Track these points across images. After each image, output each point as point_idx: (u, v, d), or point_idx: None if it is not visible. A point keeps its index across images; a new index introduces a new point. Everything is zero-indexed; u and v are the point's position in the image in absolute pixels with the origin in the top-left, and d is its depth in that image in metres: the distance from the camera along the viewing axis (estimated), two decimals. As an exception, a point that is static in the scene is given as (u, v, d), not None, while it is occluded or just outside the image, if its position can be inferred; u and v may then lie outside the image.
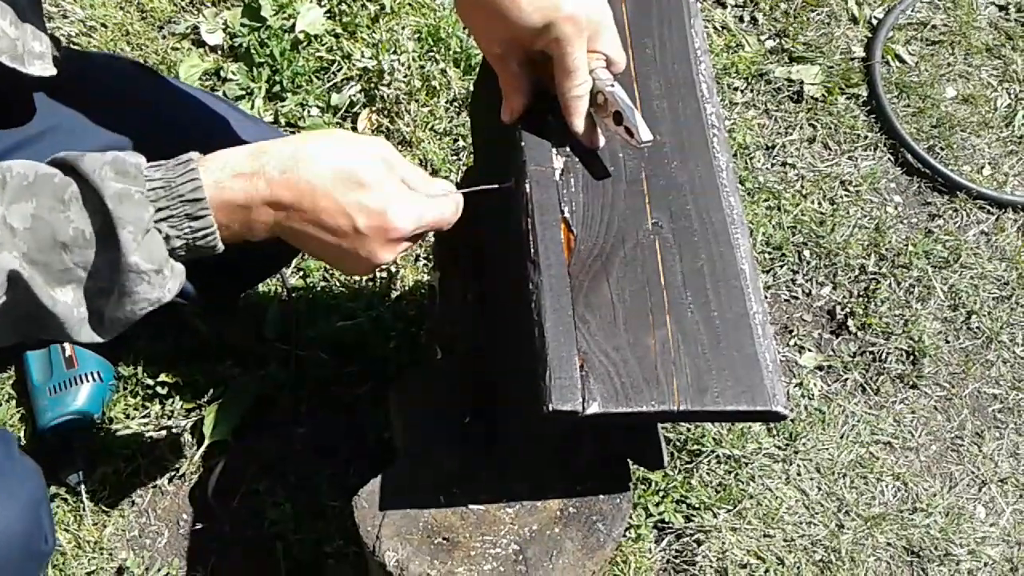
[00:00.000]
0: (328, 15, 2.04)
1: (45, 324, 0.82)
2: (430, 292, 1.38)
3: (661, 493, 1.64)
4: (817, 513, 1.67)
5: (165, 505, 1.60)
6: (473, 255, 1.22)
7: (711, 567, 1.60)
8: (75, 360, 1.58)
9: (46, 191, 0.79)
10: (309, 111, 1.95)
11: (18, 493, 1.06)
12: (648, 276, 0.94)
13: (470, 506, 1.10)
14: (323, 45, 2.00)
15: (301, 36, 1.98)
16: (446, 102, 1.98)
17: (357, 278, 1.78)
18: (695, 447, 1.68)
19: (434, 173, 1.90)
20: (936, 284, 1.92)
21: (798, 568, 1.61)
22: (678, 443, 1.69)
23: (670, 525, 1.62)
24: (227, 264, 0.92)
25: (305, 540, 1.54)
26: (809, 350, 1.86)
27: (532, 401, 0.88)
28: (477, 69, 1.56)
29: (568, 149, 1.00)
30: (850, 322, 1.88)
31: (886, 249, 1.95)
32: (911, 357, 1.85)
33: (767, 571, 1.60)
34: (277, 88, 1.95)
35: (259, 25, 1.97)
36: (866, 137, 2.10)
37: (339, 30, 2.02)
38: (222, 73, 1.97)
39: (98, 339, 0.84)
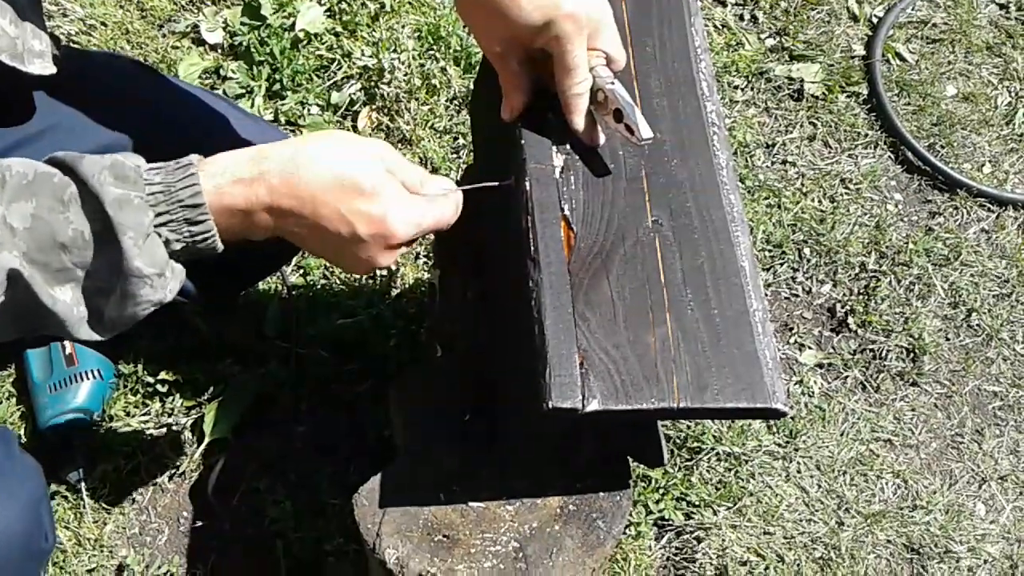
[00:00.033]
0: (328, 13, 2.04)
1: (45, 321, 0.82)
2: (430, 290, 1.38)
3: (661, 490, 1.64)
4: (817, 510, 1.67)
5: (165, 503, 1.60)
6: (473, 253, 1.22)
7: (711, 564, 1.60)
8: (75, 358, 1.58)
9: (46, 191, 0.79)
10: (309, 109, 1.95)
11: (18, 491, 1.06)
12: (648, 274, 0.94)
13: (470, 504, 1.10)
14: (323, 43, 2.00)
15: (301, 34, 1.98)
16: (446, 100, 1.98)
17: (357, 276, 1.78)
18: (695, 444, 1.68)
19: (434, 171, 1.89)
20: (936, 282, 1.92)
21: (798, 565, 1.61)
22: (678, 440, 1.69)
23: (670, 522, 1.63)
24: (227, 263, 0.92)
25: (305, 538, 1.54)
26: (809, 348, 1.86)
27: (532, 399, 0.88)
28: (477, 67, 1.56)
29: (568, 147, 1.00)
30: (850, 320, 1.88)
31: (886, 247, 1.95)
32: (911, 355, 1.85)
33: (767, 568, 1.60)
34: (277, 86, 1.95)
35: (259, 24, 1.97)
36: (866, 135, 2.10)
37: (339, 28, 2.02)
38: (222, 72, 1.97)
39: (98, 337, 0.85)
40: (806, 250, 1.94)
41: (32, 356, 1.60)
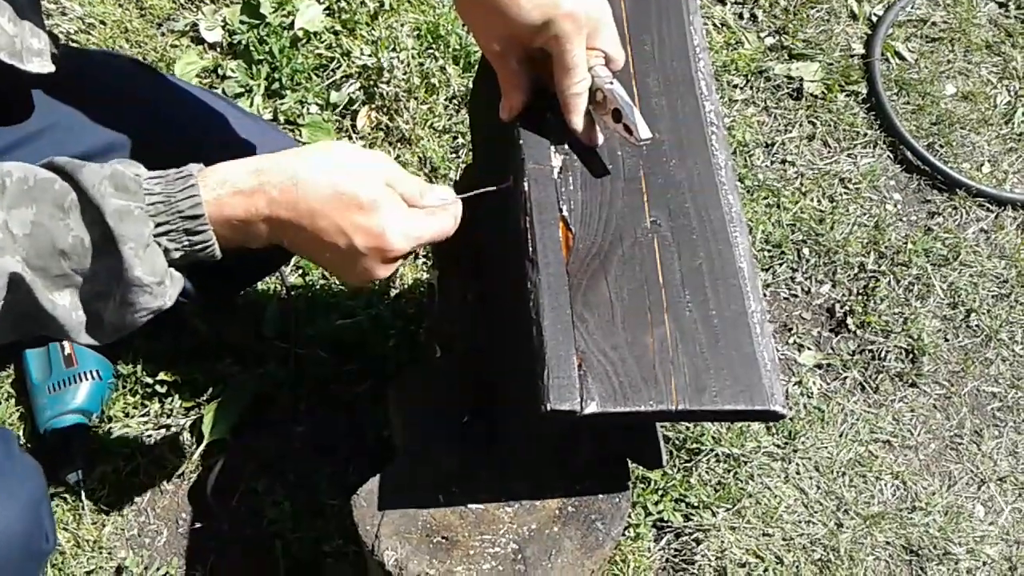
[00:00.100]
0: (327, 12, 2.03)
1: (46, 325, 0.83)
2: (429, 291, 1.38)
3: (660, 492, 1.64)
4: (816, 512, 1.67)
5: (164, 504, 1.60)
6: (472, 254, 1.22)
7: (710, 566, 1.60)
8: (74, 359, 1.58)
9: (46, 197, 0.79)
10: (308, 108, 1.95)
11: (18, 492, 1.06)
12: (646, 275, 0.94)
13: (469, 505, 1.10)
14: (322, 42, 2.00)
15: (300, 33, 1.98)
16: (445, 99, 1.97)
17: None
18: (694, 446, 1.68)
19: (434, 170, 1.90)
20: (935, 282, 1.92)
21: (797, 567, 1.61)
22: (677, 442, 1.69)
23: (669, 524, 1.62)
24: (226, 264, 0.92)
25: (304, 539, 1.54)
26: (808, 348, 1.85)
27: (531, 400, 0.88)
28: (476, 66, 1.56)
29: (567, 147, 1.00)
30: (849, 320, 1.88)
31: (885, 247, 1.95)
32: (910, 355, 1.85)
33: (766, 570, 1.60)
34: (276, 85, 1.95)
35: (258, 22, 1.96)
36: (865, 134, 2.09)
37: (338, 27, 2.02)
38: (221, 70, 1.97)
39: (97, 342, 0.85)
40: (805, 250, 1.94)
41: (31, 357, 1.60)
